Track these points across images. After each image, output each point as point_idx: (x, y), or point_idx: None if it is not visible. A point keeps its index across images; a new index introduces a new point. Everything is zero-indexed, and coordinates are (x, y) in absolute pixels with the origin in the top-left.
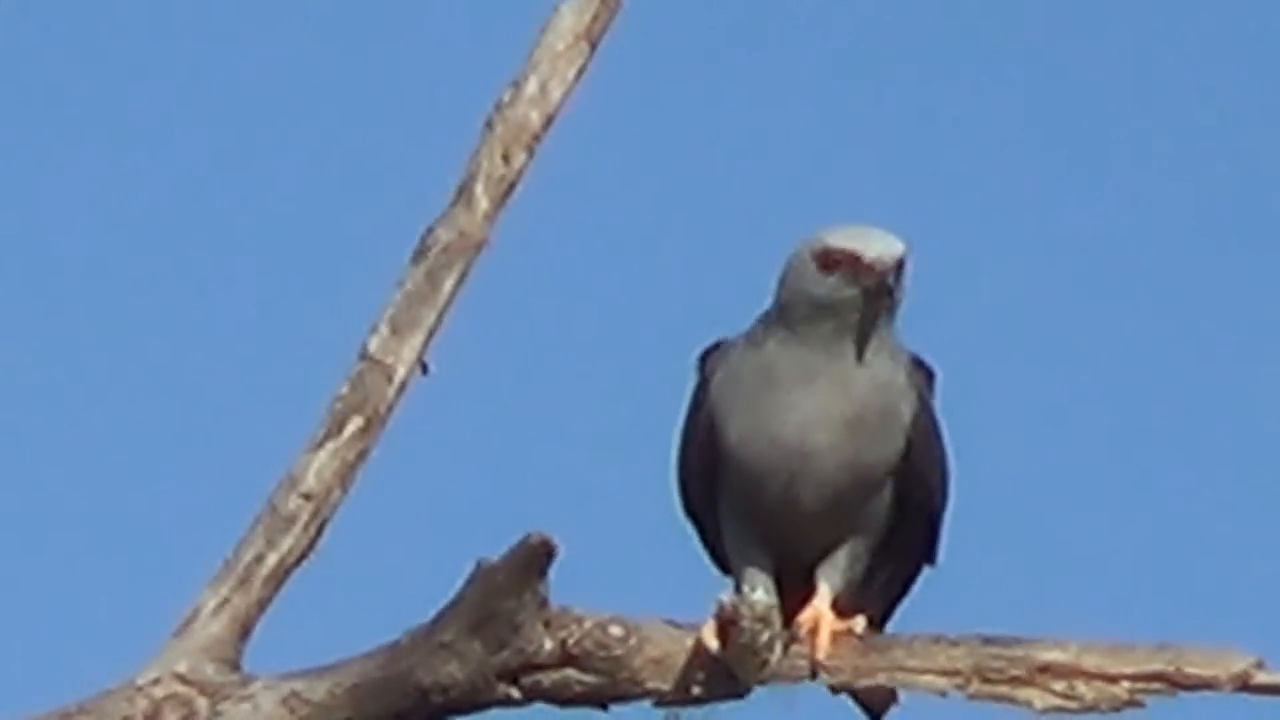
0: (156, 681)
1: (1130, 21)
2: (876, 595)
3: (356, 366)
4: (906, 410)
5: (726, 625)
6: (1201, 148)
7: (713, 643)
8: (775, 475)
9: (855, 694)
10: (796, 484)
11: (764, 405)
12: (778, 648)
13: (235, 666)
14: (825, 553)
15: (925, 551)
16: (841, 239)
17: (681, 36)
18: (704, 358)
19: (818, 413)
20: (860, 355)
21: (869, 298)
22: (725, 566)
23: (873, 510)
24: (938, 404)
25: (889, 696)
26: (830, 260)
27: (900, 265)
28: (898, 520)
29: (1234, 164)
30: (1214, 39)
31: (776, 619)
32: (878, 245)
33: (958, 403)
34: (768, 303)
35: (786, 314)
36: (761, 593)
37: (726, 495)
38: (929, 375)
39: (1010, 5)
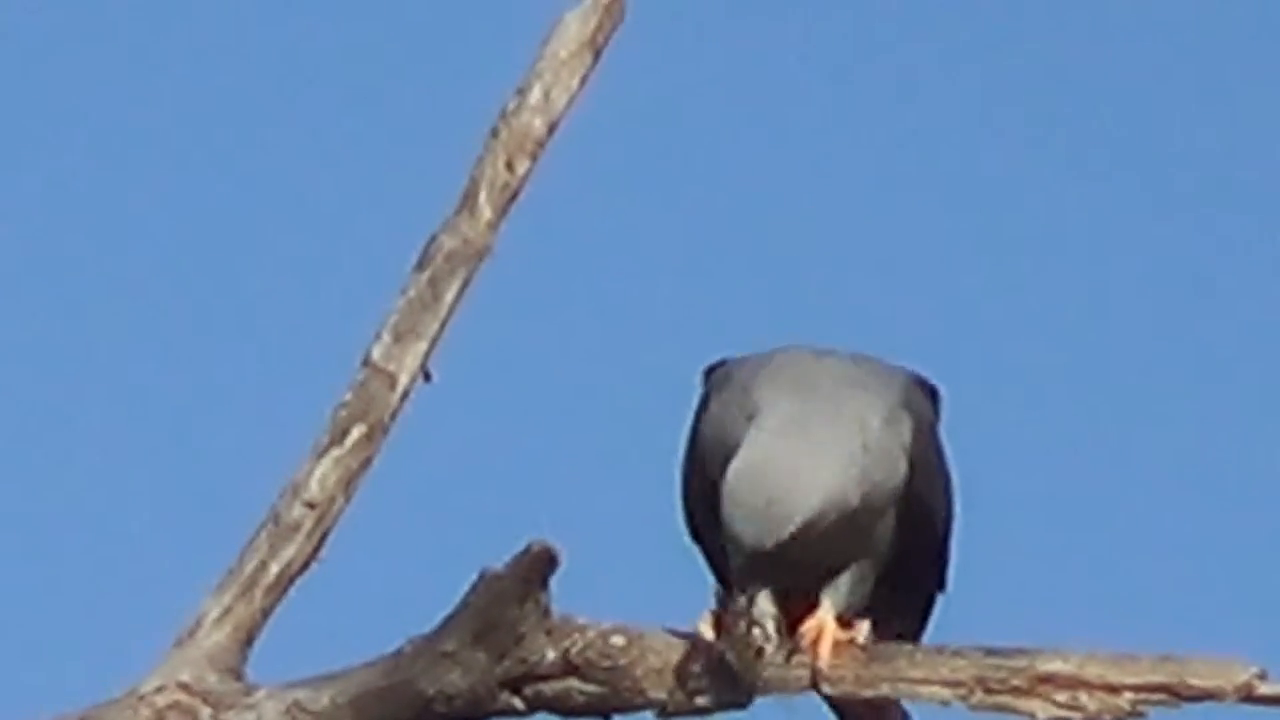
0: (159, 690)
1: (1127, 23)
2: (896, 626)
3: (359, 374)
4: (905, 436)
5: (722, 617)
6: (1202, 151)
7: (709, 633)
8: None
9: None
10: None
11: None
12: (774, 636)
13: (238, 675)
14: (831, 573)
15: (935, 576)
16: (727, 502)
17: (685, 45)
18: (707, 376)
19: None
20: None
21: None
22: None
23: (877, 534)
24: (942, 422)
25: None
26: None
27: (771, 551)
28: (904, 544)
29: (1230, 170)
30: (1210, 41)
31: (772, 608)
32: (745, 531)
33: (959, 413)
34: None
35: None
36: (760, 595)
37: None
38: (932, 393)
39: (1010, 6)
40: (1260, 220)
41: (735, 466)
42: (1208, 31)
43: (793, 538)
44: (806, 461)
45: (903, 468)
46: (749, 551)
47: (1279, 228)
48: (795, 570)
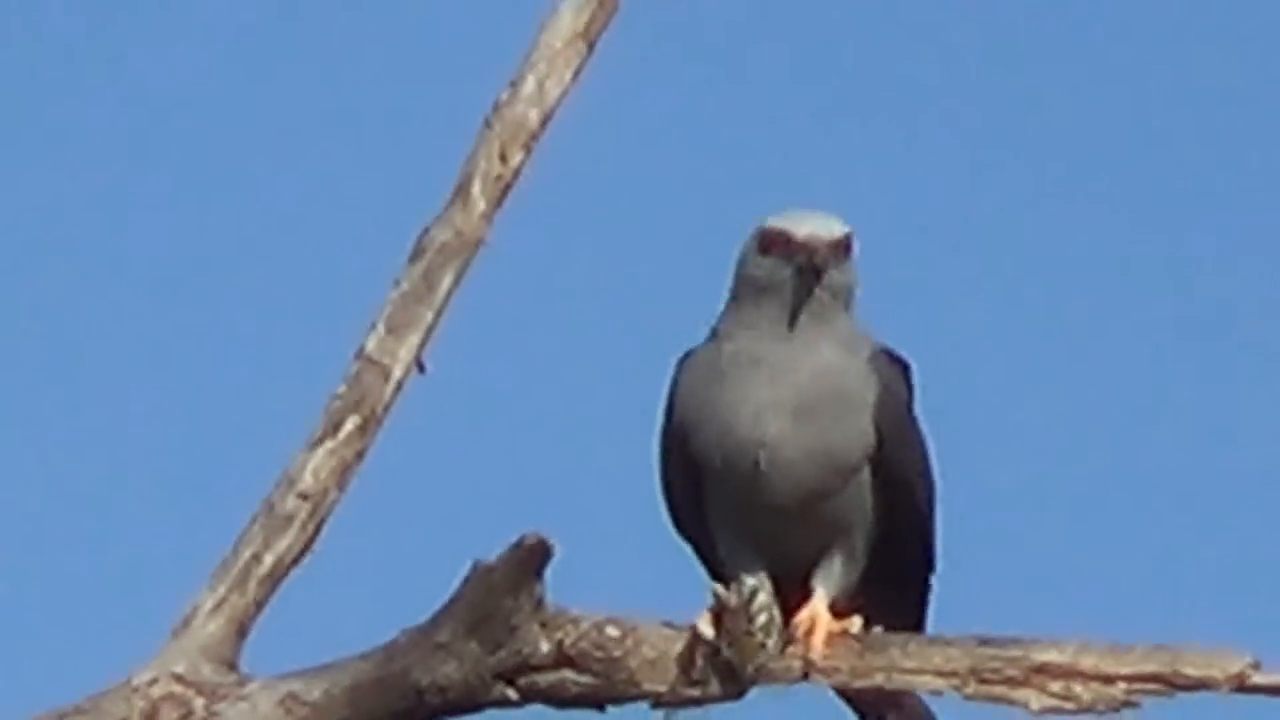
0: (154, 681)
1: (1123, 25)
2: (895, 614)
3: (353, 366)
4: (869, 395)
5: (721, 614)
6: (1191, 147)
7: (708, 631)
8: (742, 471)
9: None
10: (765, 477)
11: (718, 401)
12: (774, 631)
13: (232, 666)
14: (818, 556)
15: (923, 557)
16: (779, 220)
17: (679, 36)
18: (676, 368)
19: (768, 401)
20: (792, 328)
21: (800, 276)
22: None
23: (855, 505)
24: (917, 397)
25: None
26: (767, 241)
27: (836, 246)
28: (887, 520)
29: (1221, 165)
30: (1200, 43)
31: (770, 601)
32: (810, 225)
33: (955, 404)
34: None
35: (737, 300)
36: (754, 581)
37: (712, 505)
38: (903, 367)
39: (1007, 7)
40: (1256, 211)
41: (769, 220)
42: (1204, 32)
43: (845, 244)
44: None
45: (868, 420)
46: (809, 250)
47: (1274, 222)
48: (786, 545)
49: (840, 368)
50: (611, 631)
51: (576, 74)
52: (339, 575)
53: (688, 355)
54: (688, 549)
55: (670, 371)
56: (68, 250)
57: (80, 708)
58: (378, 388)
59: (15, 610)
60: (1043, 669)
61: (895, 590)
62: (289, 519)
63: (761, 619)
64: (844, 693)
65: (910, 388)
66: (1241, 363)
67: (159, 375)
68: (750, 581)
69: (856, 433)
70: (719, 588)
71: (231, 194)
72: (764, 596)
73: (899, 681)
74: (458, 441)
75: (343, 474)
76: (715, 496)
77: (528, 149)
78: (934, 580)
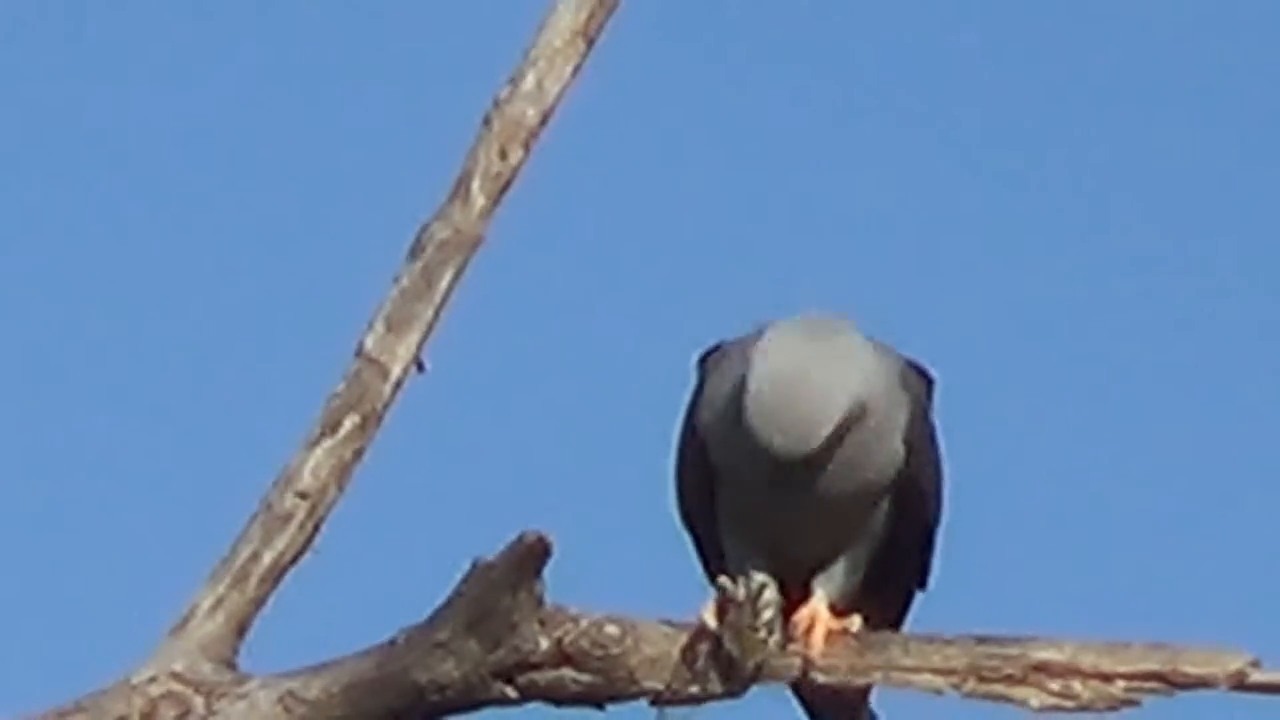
0: (152, 680)
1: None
2: (873, 623)
3: (352, 364)
4: (900, 417)
5: (726, 606)
6: (1192, 146)
7: (712, 621)
8: (769, 497)
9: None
10: (794, 508)
11: (744, 440)
12: (777, 627)
13: (231, 665)
14: (825, 560)
15: (917, 571)
16: (754, 410)
17: (679, 33)
18: (702, 362)
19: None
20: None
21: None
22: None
23: (872, 518)
24: (935, 410)
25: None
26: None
27: (806, 459)
28: (895, 531)
29: (1222, 164)
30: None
31: (776, 598)
32: (778, 440)
33: (953, 401)
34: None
35: None
36: (763, 576)
37: (724, 506)
38: (927, 381)
39: (1009, 7)
40: (1259, 211)
41: (758, 372)
42: (1204, 32)
43: (825, 446)
44: (830, 364)
45: (899, 441)
46: (781, 461)
47: (1275, 222)
48: (796, 551)
49: (865, 417)
50: (611, 630)
51: (576, 71)
52: (338, 574)
53: (714, 351)
54: (688, 540)
55: (695, 365)
56: (67, 248)
57: (80, 705)
58: (377, 386)
59: (14, 609)
60: (1042, 667)
61: (881, 597)
62: (288, 518)
63: (766, 614)
64: (809, 704)
65: (930, 401)
66: (1241, 362)
67: (157, 373)
68: (759, 576)
69: (890, 456)
70: (725, 580)
71: (230, 191)
72: (770, 593)
73: (897, 680)
74: (457, 439)
75: (342, 472)
76: (729, 501)
77: (527, 147)
78: (919, 593)
